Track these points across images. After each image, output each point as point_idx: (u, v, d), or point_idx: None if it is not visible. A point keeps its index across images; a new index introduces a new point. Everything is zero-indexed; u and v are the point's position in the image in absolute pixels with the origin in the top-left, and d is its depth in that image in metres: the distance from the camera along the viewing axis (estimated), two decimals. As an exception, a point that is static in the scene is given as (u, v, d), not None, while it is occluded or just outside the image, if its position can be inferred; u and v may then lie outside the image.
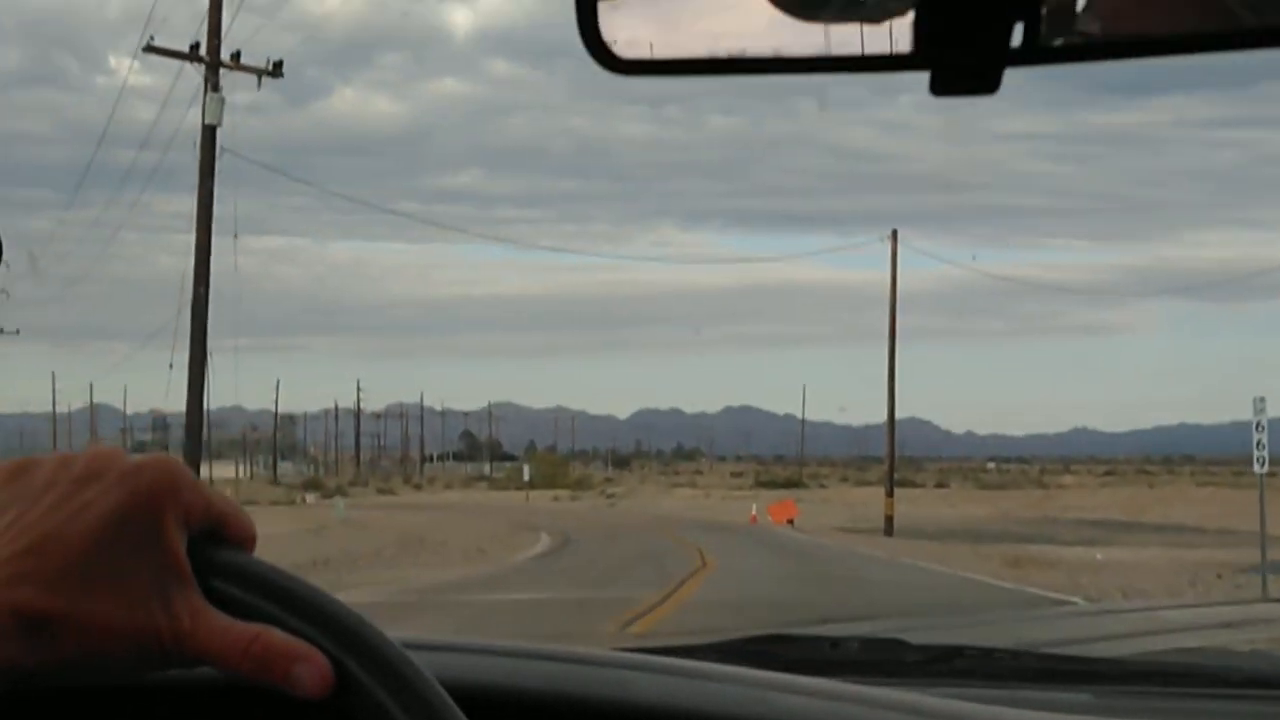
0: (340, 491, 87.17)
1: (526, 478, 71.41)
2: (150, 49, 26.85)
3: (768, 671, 1.16)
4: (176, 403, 26.89)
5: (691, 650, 1.52)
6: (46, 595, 0.66)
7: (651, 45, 0.97)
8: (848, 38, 0.96)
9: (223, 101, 26.64)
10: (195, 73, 26.85)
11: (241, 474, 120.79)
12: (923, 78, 0.88)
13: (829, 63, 0.96)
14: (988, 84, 0.89)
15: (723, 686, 1.09)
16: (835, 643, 2.03)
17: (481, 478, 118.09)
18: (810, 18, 0.96)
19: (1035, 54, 0.88)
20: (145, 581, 0.68)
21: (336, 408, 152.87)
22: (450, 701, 0.70)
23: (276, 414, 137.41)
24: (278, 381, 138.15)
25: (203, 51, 26.70)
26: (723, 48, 0.96)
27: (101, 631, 0.67)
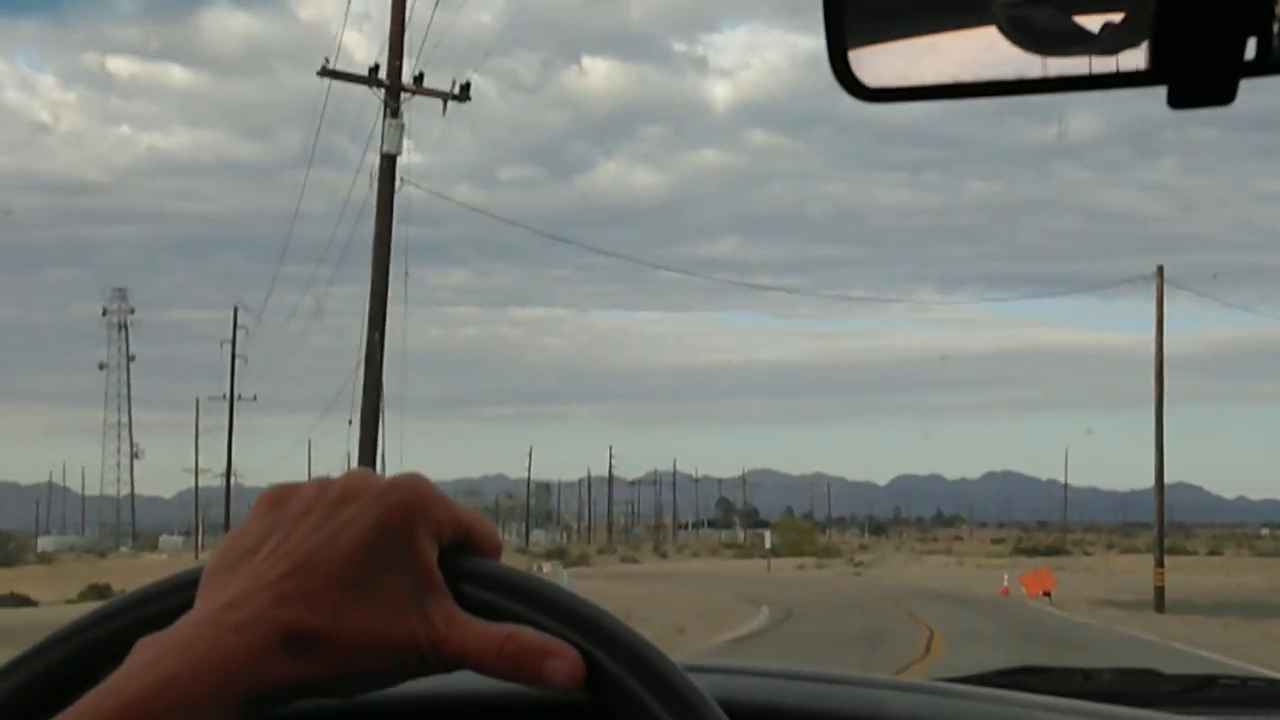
0: (583, 560, 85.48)
1: (768, 545, 67.82)
2: (327, 72, 24.76)
3: (1026, 694, 1.16)
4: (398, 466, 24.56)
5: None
6: (312, 613, 0.69)
7: (895, 74, 1.05)
8: (1082, 58, 1.01)
9: (402, 128, 24.26)
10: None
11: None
12: (1160, 94, 0.92)
13: (1065, 82, 1.01)
14: (1224, 95, 0.92)
15: (984, 705, 1.11)
16: (1089, 674, 2.05)
17: (730, 545, 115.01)
18: (1044, 42, 1.01)
19: (1269, 65, 0.90)
20: (402, 593, 0.71)
21: (589, 475, 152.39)
22: (697, 687, 0.72)
23: (529, 482, 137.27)
24: (530, 449, 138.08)
25: (382, 74, 24.51)
26: (961, 73, 1.02)
27: (365, 643, 0.70)
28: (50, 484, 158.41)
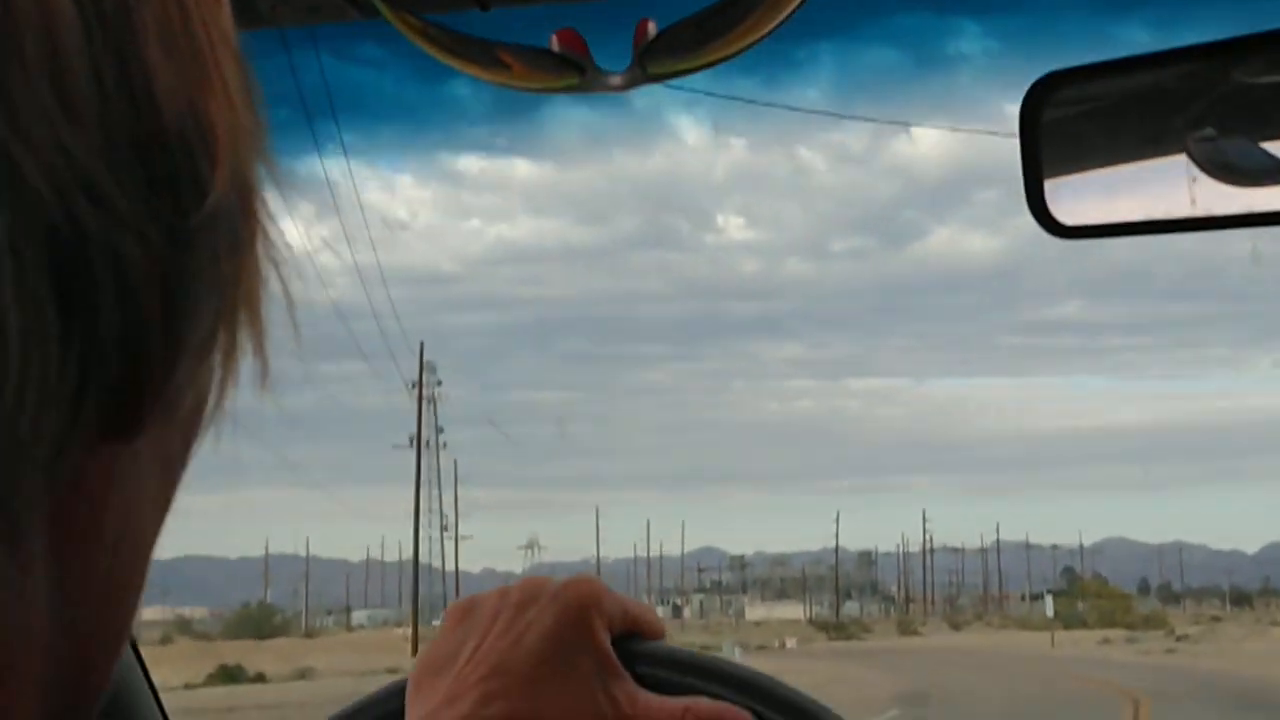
0: (860, 630, 78.26)
1: (1050, 613, 58.58)
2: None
3: None
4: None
5: None
6: (512, 706, 0.78)
7: (1090, 212, 1.10)
8: (1272, 195, 1.04)
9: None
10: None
11: (802, 614, 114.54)
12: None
13: (1261, 218, 1.05)
14: None
15: None
16: None
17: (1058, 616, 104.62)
18: (1237, 174, 1.05)
19: None
20: (587, 679, 0.79)
21: (903, 542, 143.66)
22: None
23: (836, 550, 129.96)
24: (836, 515, 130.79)
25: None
26: (1155, 209, 1.07)
27: None
28: (367, 560, 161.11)
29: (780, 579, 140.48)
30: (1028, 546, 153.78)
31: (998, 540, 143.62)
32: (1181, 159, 1.02)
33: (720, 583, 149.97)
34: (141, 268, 0.37)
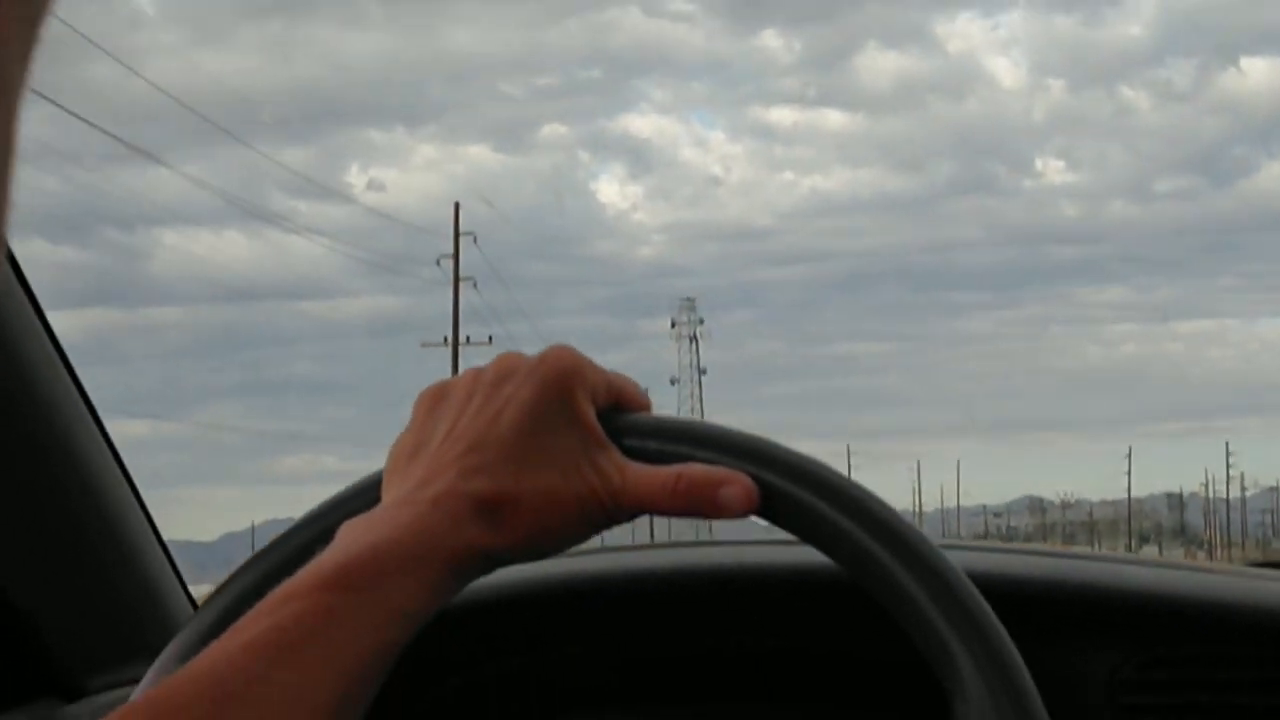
0: None
1: None
2: None
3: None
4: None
5: None
6: (494, 481, 0.74)
7: None
8: None
9: None
10: None
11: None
12: None
13: None
14: None
15: (1226, 579, 1.14)
16: None
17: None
18: None
19: None
20: (573, 452, 0.76)
21: (1209, 481, 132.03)
22: (864, 489, 0.75)
23: (1129, 490, 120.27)
24: (1129, 452, 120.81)
25: None
26: None
27: (548, 502, 0.75)
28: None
29: (1080, 523, 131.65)
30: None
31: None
32: None
33: (1012, 528, 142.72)
34: None
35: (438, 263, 47.14)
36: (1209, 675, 1.06)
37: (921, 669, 0.73)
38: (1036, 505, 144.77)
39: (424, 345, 48.07)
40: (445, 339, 46.69)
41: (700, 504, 0.76)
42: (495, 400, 0.77)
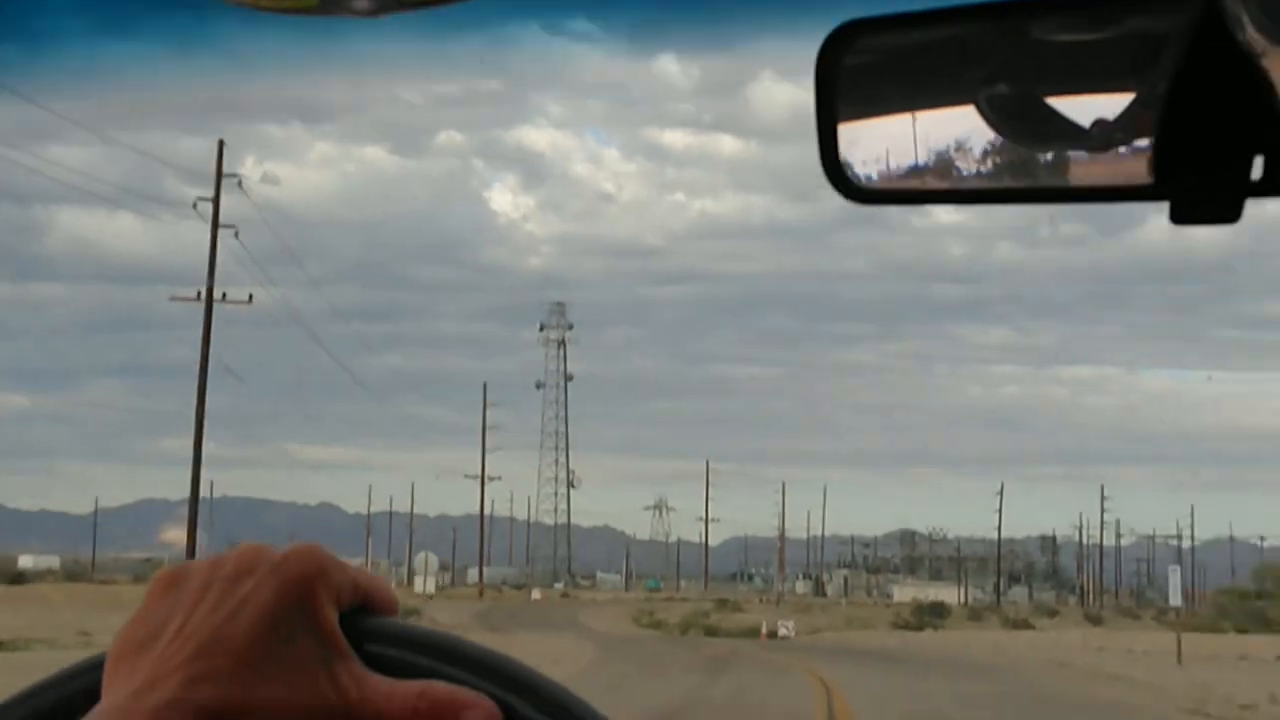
0: (936, 617, 65.79)
1: (1173, 603, 43.81)
2: None
3: None
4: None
5: None
6: (223, 691, 0.70)
7: (886, 175, 1.04)
8: (1081, 167, 0.99)
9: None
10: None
11: (957, 597, 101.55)
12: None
13: (1064, 193, 1.02)
14: (1228, 214, 0.92)
15: None
16: None
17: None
18: (1042, 148, 1.01)
19: (1276, 186, 0.91)
20: (309, 661, 0.72)
21: (1084, 526, 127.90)
22: None
23: (999, 530, 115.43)
24: (1000, 489, 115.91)
25: None
26: (955, 180, 1.01)
27: (277, 715, 0.70)
28: (482, 515, 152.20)
29: (948, 558, 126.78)
30: (1231, 540, 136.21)
31: (1192, 530, 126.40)
32: (974, 115, 0.98)
33: (881, 559, 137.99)
34: None
35: (194, 205, 41.23)
36: None
37: None
38: (909, 538, 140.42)
39: (174, 299, 42.46)
40: (199, 294, 40.93)
41: None
42: (231, 598, 0.73)
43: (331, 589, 0.74)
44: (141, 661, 0.71)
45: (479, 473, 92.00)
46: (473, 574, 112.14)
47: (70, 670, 0.79)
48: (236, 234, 41.44)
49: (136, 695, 0.69)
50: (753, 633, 49.77)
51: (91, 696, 0.72)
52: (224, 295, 40.99)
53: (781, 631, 49.13)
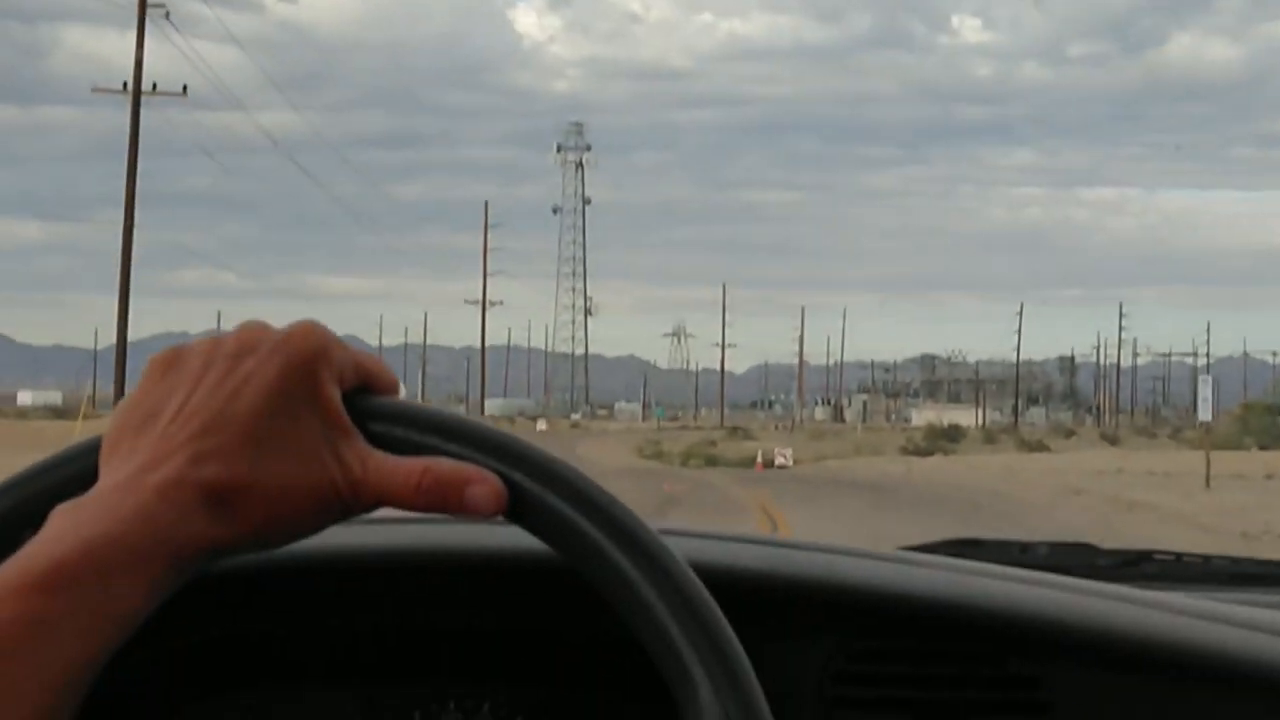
0: (949, 441, 65.26)
1: (1203, 418, 42.36)
2: None
3: (967, 561, 1.27)
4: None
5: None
6: (229, 468, 0.69)
7: None
8: None
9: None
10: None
11: (975, 419, 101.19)
12: None
13: None
14: None
15: (931, 572, 1.18)
16: (1024, 547, 2.17)
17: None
18: None
19: None
20: (314, 439, 0.71)
21: (1101, 346, 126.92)
22: (613, 497, 0.74)
23: (1018, 351, 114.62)
24: (1020, 309, 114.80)
25: None
26: None
27: (283, 492, 0.71)
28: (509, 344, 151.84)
29: (967, 381, 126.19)
30: (1245, 356, 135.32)
31: (1208, 348, 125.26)
32: None
33: (900, 384, 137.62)
34: None
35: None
36: (916, 669, 1.11)
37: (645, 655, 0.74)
38: (928, 362, 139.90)
39: (95, 90, 39.19)
40: (125, 85, 37.18)
41: (445, 502, 0.73)
42: (234, 376, 0.72)
43: (334, 368, 0.73)
44: (142, 441, 0.71)
45: (479, 298, 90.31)
46: (489, 406, 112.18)
47: (64, 454, 0.77)
48: (167, 14, 38.08)
49: (141, 471, 0.69)
50: (750, 462, 47.45)
51: (88, 480, 0.71)
52: (154, 86, 37.30)
53: (779, 460, 47.14)
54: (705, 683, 0.70)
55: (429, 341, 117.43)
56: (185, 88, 39.31)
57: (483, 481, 0.72)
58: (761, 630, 0.95)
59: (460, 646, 1.12)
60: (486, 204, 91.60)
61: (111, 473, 0.70)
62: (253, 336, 0.74)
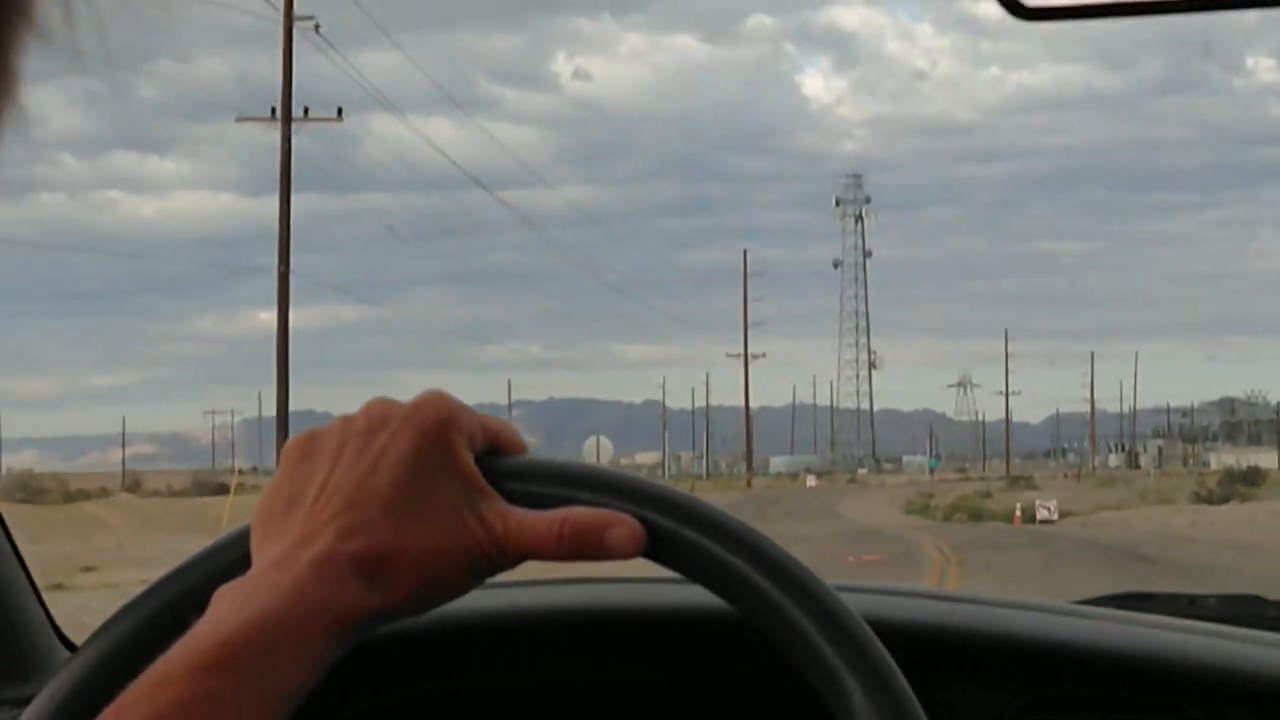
0: (1247, 485, 62.96)
1: None
2: None
3: (1139, 614, 1.27)
4: None
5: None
6: (375, 538, 0.73)
7: None
8: None
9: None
10: None
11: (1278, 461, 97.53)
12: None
13: (1232, 0, 0.99)
14: None
15: (1096, 624, 1.21)
16: (1193, 599, 2.11)
17: None
18: None
19: None
20: (453, 502, 0.75)
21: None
22: (753, 529, 0.77)
23: (1130, 401, 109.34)
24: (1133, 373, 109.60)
25: None
26: None
27: (430, 556, 0.74)
28: (793, 403, 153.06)
29: (1267, 421, 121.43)
30: None
31: None
32: None
33: (1198, 427, 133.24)
34: None
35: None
36: (1092, 718, 1.13)
37: (813, 701, 0.74)
38: (1227, 405, 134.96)
39: (240, 120, 35.57)
40: (273, 111, 33.05)
41: (587, 548, 0.75)
42: (370, 451, 0.75)
43: (464, 432, 0.76)
44: (289, 523, 0.74)
45: (739, 351, 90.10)
46: (775, 463, 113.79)
47: (216, 545, 0.82)
48: (316, 27, 33.51)
49: (292, 550, 0.72)
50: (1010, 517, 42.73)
51: (244, 565, 0.74)
52: (306, 111, 33.38)
53: (1040, 514, 40.91)
54: (859, 692, 0.72)
55: (714, 402, 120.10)
56: (340, 111, 35.42)
57: (620, 524, 0.75)
58: (929, 681, 0.95)
59: (611, 706, 1.15)
60: (745, 252, 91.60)
61: (265, 554, 0.74)
62: (382, 412, 0.77)
